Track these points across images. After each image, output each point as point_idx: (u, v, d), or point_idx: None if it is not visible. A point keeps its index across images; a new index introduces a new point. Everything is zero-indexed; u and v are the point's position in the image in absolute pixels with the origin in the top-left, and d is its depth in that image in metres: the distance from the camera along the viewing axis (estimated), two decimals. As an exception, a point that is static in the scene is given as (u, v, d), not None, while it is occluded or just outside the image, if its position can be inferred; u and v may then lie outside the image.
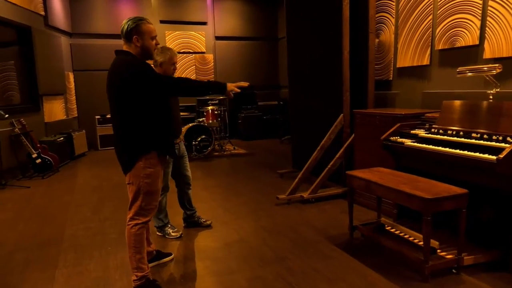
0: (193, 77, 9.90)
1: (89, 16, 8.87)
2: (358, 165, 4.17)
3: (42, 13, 7.32)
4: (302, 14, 5.22)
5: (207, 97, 9.26)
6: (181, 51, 9.74)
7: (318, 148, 4.51)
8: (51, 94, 7.46)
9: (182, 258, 3.05)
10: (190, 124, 7.34)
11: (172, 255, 3.04)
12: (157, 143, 2.43)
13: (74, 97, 8.80)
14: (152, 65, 3.17)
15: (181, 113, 8.46)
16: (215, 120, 7.58)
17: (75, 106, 8.82)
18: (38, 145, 6.23)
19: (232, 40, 10.15)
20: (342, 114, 4.45)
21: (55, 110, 7.64)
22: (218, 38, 10.06)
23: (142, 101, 2.33)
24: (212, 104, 8.43)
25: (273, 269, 2.79)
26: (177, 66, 3.34)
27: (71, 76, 8.65)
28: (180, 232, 3.49)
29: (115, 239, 3.46)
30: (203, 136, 7.29)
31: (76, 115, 8.82)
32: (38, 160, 6.06)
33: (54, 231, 3.71)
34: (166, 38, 9.60)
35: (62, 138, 7.04)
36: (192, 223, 3.70)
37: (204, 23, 9.92)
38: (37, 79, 6.88)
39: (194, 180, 5.64)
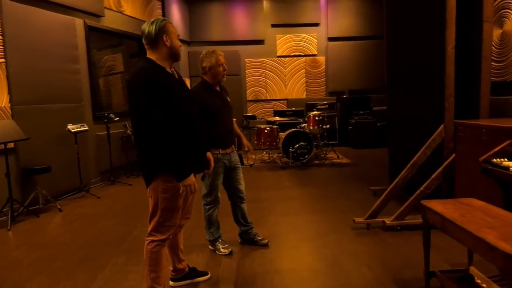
0: (302, 80, 9.61)
1: (206, 25, 9.38)
2: (459, 191, 3.29)
3: (161, 24, 7.98)
4: (402, 7, 4.44)
5: (316, 102, 8.83)
6: (292, 54, 9.55)
7: (409, 165, 3.73)
8: (166, 98, 8.08)
9: (218, 279, 2.79)
10: (290, 130, 7.07)
11: (208, 275, 2.80)
12: (170, 166, 2.15)
13: (190, 101, 9.41)
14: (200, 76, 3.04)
15: (287, 118, 8.30)
16: (316, 127, 7.13)
17: (190, 109, 9.42)
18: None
19: (346, 40, 9.50)
20: (442, 125, 3.59)
21: (169, 113, 8.27)
22: (330, 39, 9.55)
23: (151, 114, 2.12)
24: (318, 109, 7.93)
25: (306, 313, 2.31)
26: (226, 66, 3.11)
27: (187, 82, 9.27)
28: (230, 249, 3.24)
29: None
30: (302, 143, 6.92)
31: (191, 118, 9.41)
32: (145, 160, 6.57)
33: (124, 230, 3.87)
34: (277, 42, 9.52)
35: (171, 140, 7.53)
36: (248, 239, 3.41)
37: (317, 24, 9.53)
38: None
39: (279, 190, 5.37)
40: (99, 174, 5.97)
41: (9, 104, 4.46)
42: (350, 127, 8.96)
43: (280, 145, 7.06)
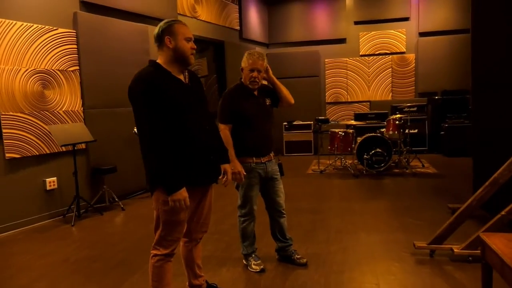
0: (388, 81, 8.82)
1: (285, 26, 9.17)
2: (553, 220, 2.55)
3: (237, 27, 8.02)
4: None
5: (402, 104, 7.97)
6: (376, 52, 8.83)
7: (488, 183, 3.03)
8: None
9: (237, 300, 2.56)
10: (366, 135, 6.49)
11: (228, 294, 2.60)
12: (160, 178, 2.04)
13: (267, 104, 9.30)
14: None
15: (365, 122, 7.64)
16: (396, 132, 6.42)
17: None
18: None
19: (440, 35, 8.41)
20: (535, 134, 2.84)
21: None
22: (422, 34, 8.57)
23: (146, 121, 2.01)
24: (404, 112, 7.08)
25: None
26: (261, 76, 2.85)
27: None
28: (262, 266, 2.97)
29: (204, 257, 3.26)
30: (378, 150, 6.29)
31: (268, 121, 9.29)
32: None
33: (170, 235, 3.86)
34: (360, 40, 8.89)
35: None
36: (285, 257, 3.10)
37: (406, 19, 8.64)
38: (226, 88, 7.59)
39: (341, 201, 4.90)
40: (167, 175, 6.16)
41: (82, 108, 4.82)
42: (443, 132, 7.93)
43: (355, 151, 6.52)
